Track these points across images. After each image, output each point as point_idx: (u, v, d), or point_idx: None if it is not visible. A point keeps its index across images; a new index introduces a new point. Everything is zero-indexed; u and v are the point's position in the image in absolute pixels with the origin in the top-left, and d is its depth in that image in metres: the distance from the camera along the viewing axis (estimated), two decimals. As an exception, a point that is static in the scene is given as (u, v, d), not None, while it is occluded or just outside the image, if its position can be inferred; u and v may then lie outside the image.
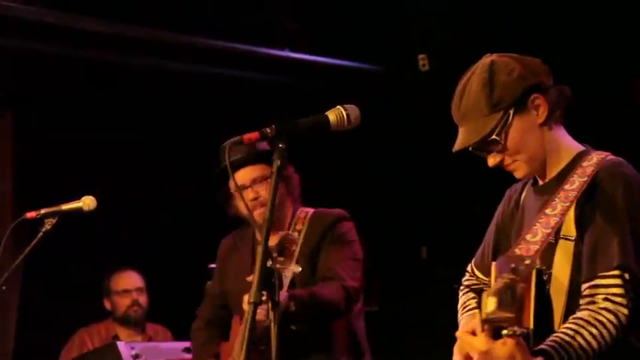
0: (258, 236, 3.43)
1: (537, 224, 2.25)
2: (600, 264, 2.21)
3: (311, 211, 3.48)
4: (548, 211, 2.27)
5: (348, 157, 5.61)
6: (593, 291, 2.21)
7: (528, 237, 2.22)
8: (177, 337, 4.94)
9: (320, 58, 5.62)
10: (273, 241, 3.33)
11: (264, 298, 2.10)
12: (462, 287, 2.66)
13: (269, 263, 2.12)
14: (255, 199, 3.35)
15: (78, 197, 3.42)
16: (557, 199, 2.28)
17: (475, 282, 2.63)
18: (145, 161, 5.51)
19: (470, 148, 2.36)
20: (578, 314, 2.21)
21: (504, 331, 1.93)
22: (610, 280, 2.20)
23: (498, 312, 1.89)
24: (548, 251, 2.28)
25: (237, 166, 3.32)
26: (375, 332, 3.75)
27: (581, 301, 2.22)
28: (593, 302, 2.20)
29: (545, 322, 2.21)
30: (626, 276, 2.20)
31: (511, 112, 2.31)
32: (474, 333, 2.13)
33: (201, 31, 5.34)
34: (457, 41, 5.58)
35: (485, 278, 2.60)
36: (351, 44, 5.66)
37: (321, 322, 3.27)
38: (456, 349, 2.31)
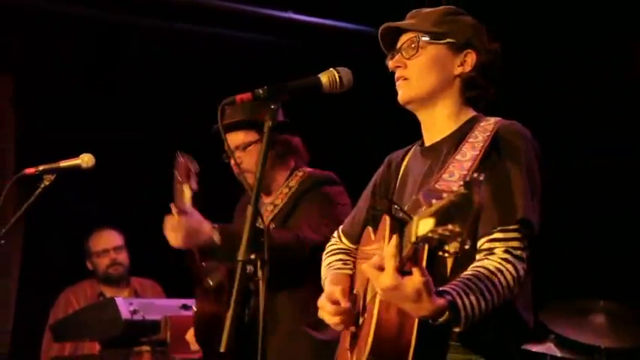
0: (265, 198, 3.44)
1: (451, 167, 2.18)
2: (501, 218, 2.16)
3: (308, 171, 3.47)
4: (458, 157, 2.21)
5: (342, 119, 5.58)
6: (491, 244, 2.15)
7: (445, 176, 2.16)
8: (170, 294, 5.01)
9: (324, 21, 5.60)
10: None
11: (252, 257, 2.13)
12: (326, 252, 2.63)
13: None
14: (238, 165, 3.37)
15: (76, 155, 3.45)
16: (464, 149, 2.23)
17: (342, 247, 2.61)
18: (138, 118, 5.53)
19: (397, 49, 2.37)
20: (479, 263, 2.14)
21: (441, 253, 1.81)
22: (510, 234, 2.15)
23: (442, 229, 1.76)
24: None
25: (225, 131, 3.35)
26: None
27: (478, 255, 2.16)
28: (493, 253, 2.15)
29: (431, 274, 2.04)
30: (526, 231, 2.17)
31: (446, 40, 2.35)
32: (380, 269, 2.01)
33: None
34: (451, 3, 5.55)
35: (352, 245, 2.58)
36: (355, 6, 5.63)
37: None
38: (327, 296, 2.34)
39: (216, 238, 3.16)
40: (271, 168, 3.39)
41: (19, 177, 3.45)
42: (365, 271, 2.04)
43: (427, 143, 2.41)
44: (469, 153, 2.20)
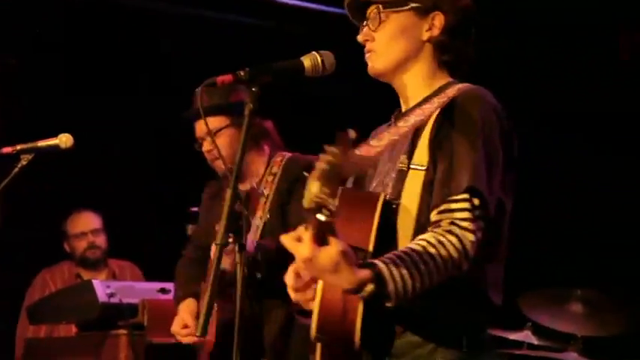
0: (240, 185, 3.38)
1: (386, 133, 2.14)
2: (449, 188, 2.08)
3: (288, 155, 3.45)
4: (400, 123, 2.16)
5: (330, 101, 5.57)
6: (440, 216, 2.07)
7: (373, 142, 2.10)
8: (150, 277, 4.99)
9: (313, 5, 5.57)
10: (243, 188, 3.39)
11: (230, 240, 2.12)
12: None
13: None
14: (210, 151, 3.36)
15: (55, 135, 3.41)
16: (411, 115, 2.18)
17: None
18: (117, 100, 5.50)
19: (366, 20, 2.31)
20: (420, 236, 2.05)
21: (319, 215, 1.74)
22: (458, 205, 2.06)
23: (321, 191, 1.72)
24: (398, 181, 2.19)
25: (194, 118, 3.37)
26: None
27: (429, 228, 2.07)
28: (438, 226, 2.05)
29: (390, 250, 2.03)
30: (475, 201, 2.06)
31: (411, 4, 2.28)
32: (299, 240, 1.92)
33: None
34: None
35: None
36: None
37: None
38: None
39: (259, 256, 3.14)
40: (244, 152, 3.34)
41: (-4, 157, 3.42)
42: (284, 244, 1.96)
43: (403, 110, 2.36)
44: (412, 119, 2.15)
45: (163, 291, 4.25)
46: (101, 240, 5.14)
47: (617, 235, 4.99)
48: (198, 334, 2.07)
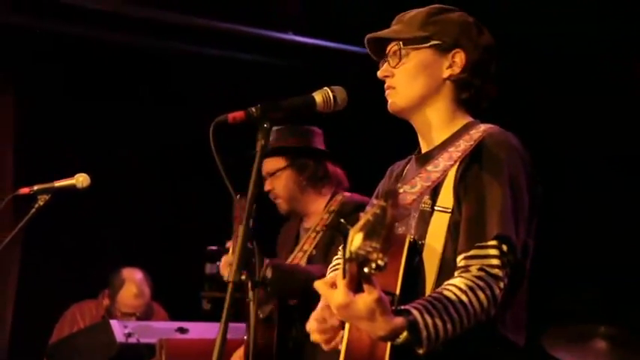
0: (305, 223, 3.52)
1: (417, 178, 2.14)
2: (478, 234, 2.07)
3: (347, 195, 3.49)
4: (430, 167, 2.17)
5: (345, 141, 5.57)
6: (468, 262, 2.06)
7: (406, 188, 2.12)
8: (173, 317, 4.94)
9: (324, 42, 5.60)
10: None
11: (243, 277, 2.10)
12: (330, 267, 2.52)
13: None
14: (270, 190, 3.46)
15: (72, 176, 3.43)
16: (440, 159, 2.18)
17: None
18: (141, 140, 5.54)
19: (386, 55, 2.33)
20: (450, 281, 2.05)
21: (366, 269, 1.71)
22: (487, 251, 2.05)
23: (364, 244, 1.69)
24: (422, 221, 2.18)
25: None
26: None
27: (456, 273, 2.07)
28: (468, 271, 2.05)
29: (414, 291, 2.06)
30: (504, 248, 2.06)
31: (432, 42, 2.28)
32: (334, 286, 1.92)
33: (206, 12, 5.35)
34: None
35: None
36: (356, 28, 5.62)
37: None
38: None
39: (268, 273, 3.16)
40: (301, 192, 3.46)
41: (14, 197, 3.44)
42: (318, 289, 1.97)
43: (423, 151, 2.35)
44: (442, 164, 2.16)
45: (182, 330, 4.22)
46: (142, 312, 5.00)
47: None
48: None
